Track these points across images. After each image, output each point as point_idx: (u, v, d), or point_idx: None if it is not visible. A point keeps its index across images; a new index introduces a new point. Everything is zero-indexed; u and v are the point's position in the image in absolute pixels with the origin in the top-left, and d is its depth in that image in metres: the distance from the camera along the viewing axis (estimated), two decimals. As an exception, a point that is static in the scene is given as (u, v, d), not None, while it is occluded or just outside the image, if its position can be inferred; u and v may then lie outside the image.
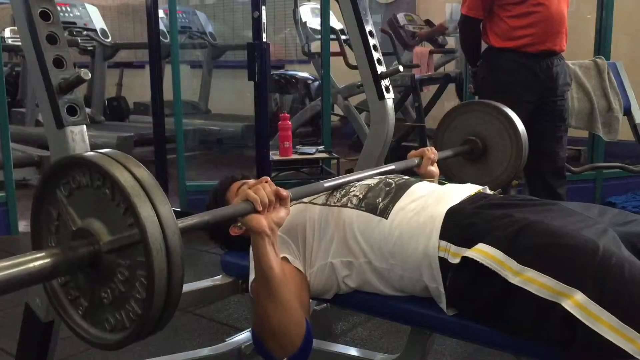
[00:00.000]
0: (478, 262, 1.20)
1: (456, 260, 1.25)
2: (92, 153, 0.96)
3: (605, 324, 1.07)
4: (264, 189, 1.27)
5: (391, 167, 1.72)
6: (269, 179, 1.36)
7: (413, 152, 1.88)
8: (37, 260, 0.90)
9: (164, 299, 0.91)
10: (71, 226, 0.99)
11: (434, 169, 1.84)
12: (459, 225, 1.30)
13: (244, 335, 1.93)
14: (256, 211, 1.24)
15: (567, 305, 1.10)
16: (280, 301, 1.27)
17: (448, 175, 2.10)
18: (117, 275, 0.95)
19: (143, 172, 0.94)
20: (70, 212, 1.00)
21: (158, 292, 0.90)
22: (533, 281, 1.15)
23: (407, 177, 1.54)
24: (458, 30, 2.94)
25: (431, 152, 1.85)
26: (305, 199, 1.56)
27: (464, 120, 2.04)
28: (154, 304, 0.91)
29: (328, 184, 1.51)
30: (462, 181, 1.94)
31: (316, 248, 1.44)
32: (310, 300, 1.98)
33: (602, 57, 3.43)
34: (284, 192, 1.30)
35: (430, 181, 1.67)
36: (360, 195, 1.45)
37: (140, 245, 0.90)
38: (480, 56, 2.76)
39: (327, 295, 1.46)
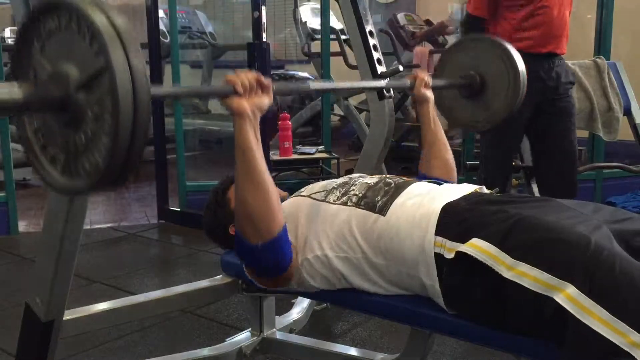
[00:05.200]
0: (472, 256, 1.21)
1: (451, 256, 1.26)
2: None
3: (596, 317, 1.07)
4: (245, 74, 1.29)
5: (383, 83, 1.68)
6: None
7: (407, 75, 1.84)
8: (11, 87, 0.90)
9: (132, 120, 0.89)
10: (43, 74, 0.98)
11: (428, 92, 1.79)
12: (454, 220, 1.30)
13: (244, 335, 1.92)
14: (237, 94, 1.26)
15: (560, 298, 1.10)
16: (260, 184, 1.29)
17: (443, 109, 2.00)
18: (88, 114, 0.94)
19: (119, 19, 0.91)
20: (42, 62, 0.98)
21: (124, 111, 0.88)
22: (526, 275, 1.15)
23: (405, 177, 1.55)
24: (459, 29, 2.94)
25: (424, 73, 1.81)
26: (304, 193, 1.56)
27: (463, 56, 1.94)
28: (121, 127, 0.88)
29: (315, 84, 1.51)
30: (457, 116, 1.94)
31: (311, 238, 1.44)
32: (310, 300, 1.98)
33: (602, 57, 3.42)
34: (266, 80, 1.31)
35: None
36: (360, 194, 1.46)
37: (107, 73, 0.88)
38: None
39: (322, 287, 1.45)
